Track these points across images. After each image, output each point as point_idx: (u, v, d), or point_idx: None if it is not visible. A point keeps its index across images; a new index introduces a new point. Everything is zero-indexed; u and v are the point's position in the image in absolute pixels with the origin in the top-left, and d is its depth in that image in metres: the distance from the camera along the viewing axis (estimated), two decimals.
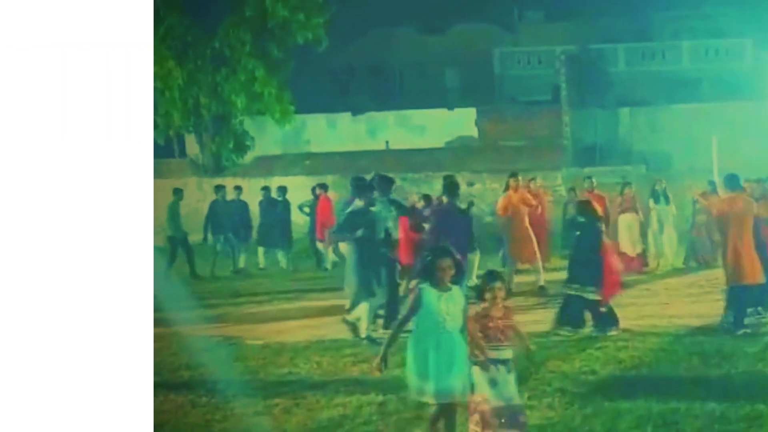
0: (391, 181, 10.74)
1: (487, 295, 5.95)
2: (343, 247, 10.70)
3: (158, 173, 23.53)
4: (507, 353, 5.98)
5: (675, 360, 8.66)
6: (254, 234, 18.31)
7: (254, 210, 18.37)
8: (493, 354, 5.91)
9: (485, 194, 20.89)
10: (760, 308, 10.52)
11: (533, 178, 15.05)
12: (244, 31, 24.05)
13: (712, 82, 32.07)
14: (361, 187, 10.70)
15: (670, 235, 16.24)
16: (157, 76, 24.17)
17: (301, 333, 10.65)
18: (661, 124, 28.50)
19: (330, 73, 29.89)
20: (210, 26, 24.07)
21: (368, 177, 11.55)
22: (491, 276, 6.13)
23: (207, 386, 7.93)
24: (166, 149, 26.02)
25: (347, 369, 8.64)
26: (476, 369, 5.93)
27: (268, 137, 25.99)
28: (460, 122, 26.78)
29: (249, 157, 25.52)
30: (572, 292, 10.05)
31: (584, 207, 10.55)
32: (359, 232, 9.73)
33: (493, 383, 5.85)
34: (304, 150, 26.26)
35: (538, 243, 13.73)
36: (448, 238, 9.77)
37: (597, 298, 9.91)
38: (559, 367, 8.34)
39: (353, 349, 9.38)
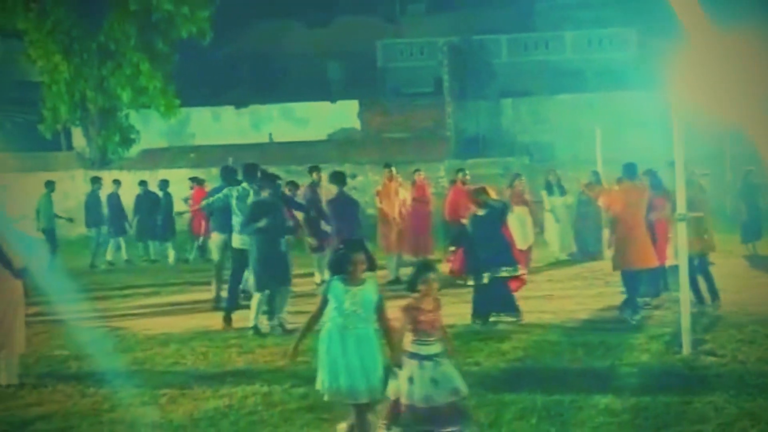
0: (276, 178, 11.08)
1: (421, 287, 5.74)
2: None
3: (46, 166, 23.67)
4: (435, 348, 5.73)
5: (559, 352, 8.71)
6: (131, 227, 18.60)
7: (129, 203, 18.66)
8: (419, 349, 5.69)
9: (368, 186, 21.49)
10: (647, 299, 10.73)
11: (417, 170, 15.36)
12: (129, 24, 24.17)
13: (596, 72, 32.02)
14: (230, 176, 11.71)
15: (564, 226, 16.27)
16: (44, 70, 24.19)
17: (186, 324, 11.05)
18: (545, 115, 28.70)
19: (214, 66, 30.07)
20: (95, 20, 24.12)
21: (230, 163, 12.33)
22: (425, 267, 5.93)
23: (95, 377, 8.30)
24: (53, 143, 25.95)
25: (233, 360, 8.97)
26: (394, 366, 5.72)
27: (153, 130, 26.12)
28: (343, 115, 27.21)
29: (135, 150, 25.65)
30: (485, 281, 10.00)
31: (481, 193, 10.46)
32: (262, 222, 9.98)
33: (410, 381, 5.63)
34: (189, 143, 26.48)
35: (418, 234, 14.38)
36: (343, 225, 10.54)
37: (515, 274, 10.14)
38: None
39: (238, 341, 9.80)
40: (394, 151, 24.99)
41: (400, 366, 5.70)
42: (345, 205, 12.15)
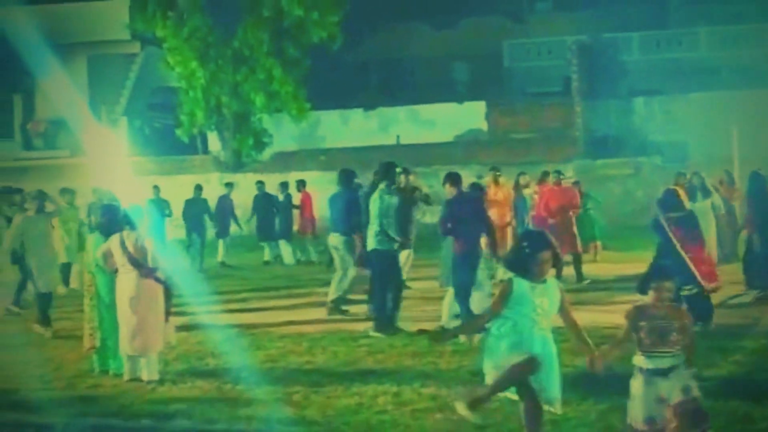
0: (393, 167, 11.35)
1: (652, 293, 5.27)
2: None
3: (183, 169, 24.58)
4: (666, 361, 5.16)
5: None
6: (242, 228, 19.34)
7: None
8: (644, 362, 5.19)
9: None
10: None
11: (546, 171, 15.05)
12: (262, 31, 24.85)
13: (731, 69, 30.78)
14: (350, 180, 12.04)
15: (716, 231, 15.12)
16: (181, 76, 25.14)
17: (316, 324, 11.34)
18: (678, 114, 27.72)
19: (344, 70, 30.58)
20: (230, 27, 24.96)
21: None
22: (662, 272, 5.46)
23: (231, 374, 8.57)
24: (190, 147, 26.92)
25: (363, 359, 9.15)
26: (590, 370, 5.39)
27: (285, 134, 26.73)
28: (469, 116, 27.17)
29: (267, 153, 26.32)
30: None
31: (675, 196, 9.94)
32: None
33: (631, 398, 5.23)
34: (319, 146, 26.97)
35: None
36: (462, 227, 10.55)
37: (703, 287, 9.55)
38: None
39: (368, 340, 10.02)
40: (521, 151, 24.86)
41: (597, 371, 5.39)
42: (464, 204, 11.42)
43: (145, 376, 8.47)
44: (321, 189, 20.09)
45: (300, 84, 25.25)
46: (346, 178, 12.13)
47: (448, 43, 34.14)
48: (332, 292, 12.03)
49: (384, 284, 10.71)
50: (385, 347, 9.66)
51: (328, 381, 8.28)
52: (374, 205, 10.64)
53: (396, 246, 10.78)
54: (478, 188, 12.14)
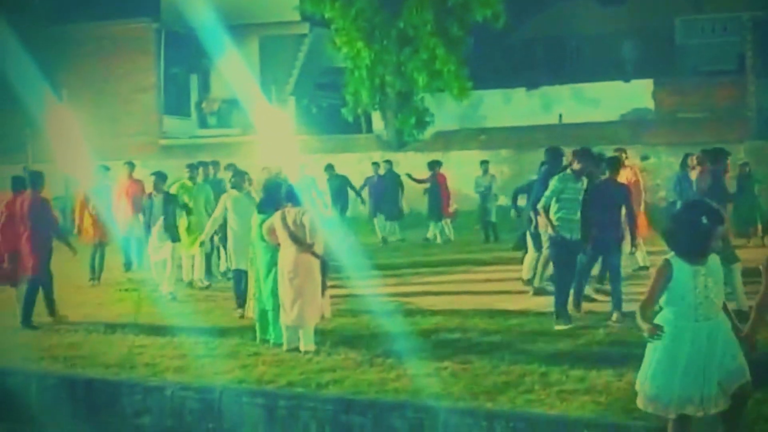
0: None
1: None
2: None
3: (347, 148, 25.18)
4: None
5: None
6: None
7: None
8: None
9: (660, 168, 20.92)
10: None
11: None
12: (427, 11, 25.01)
13: None
14: (558, 160, 11.11)
15: None
16: (347, 57, 25.72)
17: (470, 301, 11.55)
18: None
19: (507, 48, 30.36)
20: (395, 8, 25.25)
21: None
22: None
23: (383, 347, 8.91)
24: (354, 126, 27.51)
25: (513, 338, 9.25)
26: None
27: (446, 113, 26.86)
28: (636, 94, 26.48)
29: (429, 132, 26.57)
30: None
31: None
32: None
33: None
34: (480, 125, 26.96)
35: None
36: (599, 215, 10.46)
37: None
38: None
39: (519, 320, 10.10)
40: (688, 131, 24.07)
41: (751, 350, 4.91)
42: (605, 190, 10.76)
43: (302, 347, 8.88)
44: (480, 169, 20.19)
45: (462, 63, 25.30)
46: (554, 155, 11.33)
47: (616, 20, 33.27)
48: (526, 272, 11.99)
49: (567, 273, 10.11)
50: (536, 326, 9.76)
51: (477, 358, 8.42)
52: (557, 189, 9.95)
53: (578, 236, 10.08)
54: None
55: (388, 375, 7.96)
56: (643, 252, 13.17)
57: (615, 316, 9.77)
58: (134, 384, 8.05)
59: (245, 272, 10.48)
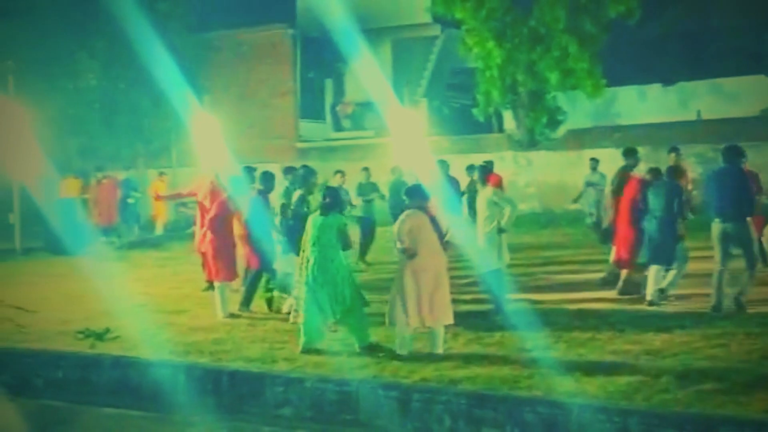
0: None
1: None
2: None
3: (477, 148, 25.24)
4: None
5: None
6: None
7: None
8: None
9: None
10: None
11: None
12: (559, 8, 24.80)
13: None
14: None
15: None
16: (478, 57, 25.79)
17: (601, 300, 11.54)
18: None
19: (641, 44, 29.68)
20: (527, 6, 25.16)
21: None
22: None
23: (515, 346, 9.03)
24: (485, 126, 27.53)
25: (649, 338, 9.21)
26: None
27: (579, 111, 26.58)
28: None
29: (561, 130, 26.34)
30: None
31: None
32: None
33: None
34: (614, 122, 26.56)
35: None
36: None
37: None
38: None
39: (658, 322, 9.98)
40: None
41: None
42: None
43: (439, 349, 8.98)
44: (614, 167, 19.84)
45: (595, 60, 24.96)
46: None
47: (758, 11, 32.08)
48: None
49: None
50: (673, 327, 9.66)
51: (611, 357, 8.44)
52: None
53: None
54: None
55: (521, 372, 8.02)
56: None
57: None
58: (276, 376, 8.39)
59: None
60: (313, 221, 9.51)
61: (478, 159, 19.69)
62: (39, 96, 22.82)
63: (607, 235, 12.89)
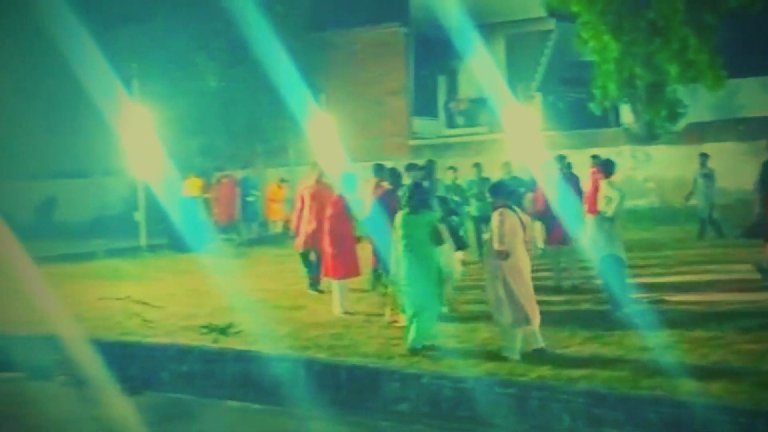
0: None
1: None
2: None
3: (594, 143, 24.85)
4: None
5: None
6: None
7: None
8: None
9: None
10: None
11: None
12: (678, 0, 24.20)
13: None
14: None
15: None
16: (594, 50, 25.38)
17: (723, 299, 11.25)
18: None
19: (763, 33, 28.67)
20: None
21: None
22: None
23: (631, 346, 8.93)
24: (601, 120, 27.08)
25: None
26: None
27: (699, 104, 25.87)
28: None
29: (681, 124, 25.69)
30: None
31: None
32: None
33: None
34: (737, 115, 25.73)
35: None
36: None
37: None
38: None
39: None
40: None
41: None
42: None
43: (540, 344, 8.93)
44: (737, 161, 19.35)
45: (716, 52, 24.25)
46: None
47: None
48: None
49: None
50: None
51: (735, 357, 8.27)
52: None
53: None
54: None
55: (641, 372, 7.91)
56: None
57: None
58: (392, 372, 8.48)
59: None
60: (402, 219, 9.45)
61: (595, 154, 19.43)
62: (161, 97, 23.57)
63: (757, 230, 12.41)
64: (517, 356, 8.72)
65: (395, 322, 10.30)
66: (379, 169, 13.10)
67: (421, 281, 9.23)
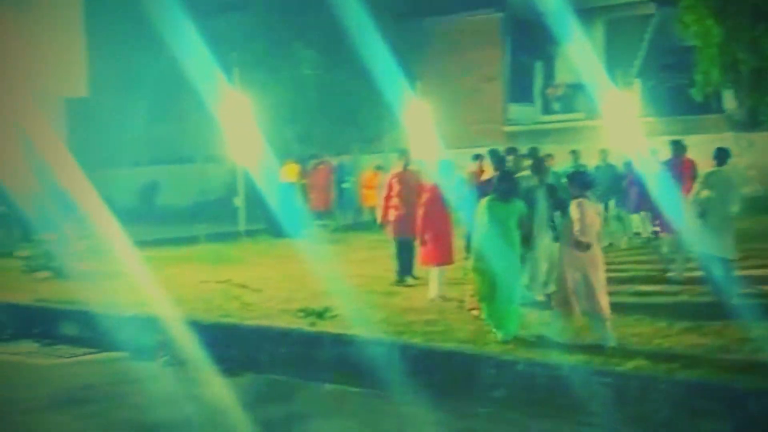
0: None
1: None
2: None
3: (695, 129, 24.31)
4: None
5: None
6: None
7: None
8: None
9: None
10: None
11: None
12: None
13: None
14: None
15: None
16: (696, 35, 24.77)
17: None
18: None
19: None
20: None
21: None
22: None
23: (738, 334, 8.77)
24: (703, 106, 26.44)
25: None
26: None
27: None
28: None
29: None
30: None
31: None
32: None
33: None
34: None
35: None
36: None
37: None
38: None
39: None
40: None
41: None
42: None
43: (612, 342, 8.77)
44: None
45: None
46: None
47: None
48: None
49: None
50: None
51: None
52: None
53: None
54: None
55: (743, 364, 7.77)
56: None
57: None
58: (488, 357, 8.49)
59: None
60: (488, 207, 9.37)
61: (697, 140, 19.03)
62: (260, 85, 23.97)
63: None
64: (613, 343, 8.63)
65: (473, 309, 10.28)
66: (493, 154, 12.99)
67: (502, 270, 9.18)
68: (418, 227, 12.41)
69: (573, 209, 8.89)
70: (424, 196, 12.38)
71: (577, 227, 8.77)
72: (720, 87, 25.66)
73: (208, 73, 21.45)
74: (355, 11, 22.84)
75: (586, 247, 8.74)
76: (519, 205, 9.47)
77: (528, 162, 12.43)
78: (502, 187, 9.39)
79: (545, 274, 11.24)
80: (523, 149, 14.73)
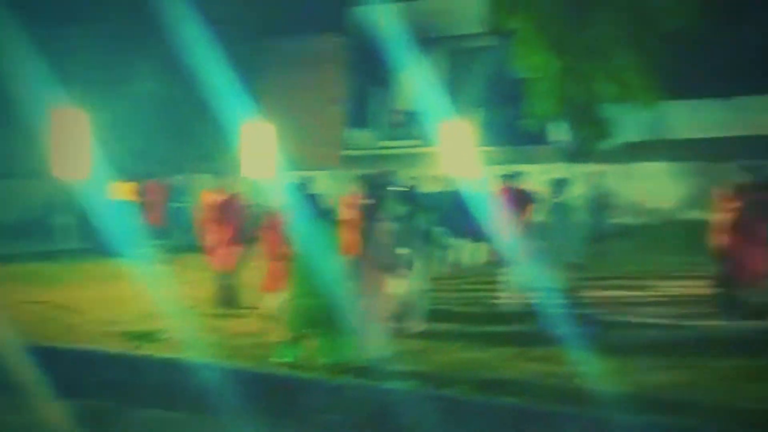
0: None
1: None
2: None
3: (531, 159, 25.00)
4: None
5: None
6: None
7: None
8: None
9: None
10: None
11: None
12: (618, 20, 24.43)
13: None
14: None
15: None
16: (529, 68, 25.50)
17: None
18: None
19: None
20: (583, 18, 24.79)
21: None
22: None
23: None
24: (539, 137, 27.24)
25: None
26: None
27: (633, 123, 26.17)
28: None
29: (613, 142, 25.94)
30: None
31: None
32: None
33: None
34: (667, 137, 26.07)
35: None
36: None
37: None
38: None
39: None
40: None
41: None
42: None
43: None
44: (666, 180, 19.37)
45: (652, 74, 24.40)
46: None
47: None
48: None
49: None
50: None
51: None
52: None
53: None
54: None
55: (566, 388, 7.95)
56: None
57: None
58: (318, 382, 8.33)
59: None
60: (306, 232, 9.23)
61: (530, 170, 19.53)
62: (93, 99, 23.08)
63: None
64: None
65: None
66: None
67: (324, 297, 8.95)
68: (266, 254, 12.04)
69: (381, 231, 8.96)
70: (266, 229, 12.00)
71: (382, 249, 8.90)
72: (553, 119, 26.50)
73: (36, 85, 20.48)
74: (196, 27, 22.39)
75: (390, 267, 8.75)
76: (325, 226, 9.25)
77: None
78: (317, 210, 9.27)
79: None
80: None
